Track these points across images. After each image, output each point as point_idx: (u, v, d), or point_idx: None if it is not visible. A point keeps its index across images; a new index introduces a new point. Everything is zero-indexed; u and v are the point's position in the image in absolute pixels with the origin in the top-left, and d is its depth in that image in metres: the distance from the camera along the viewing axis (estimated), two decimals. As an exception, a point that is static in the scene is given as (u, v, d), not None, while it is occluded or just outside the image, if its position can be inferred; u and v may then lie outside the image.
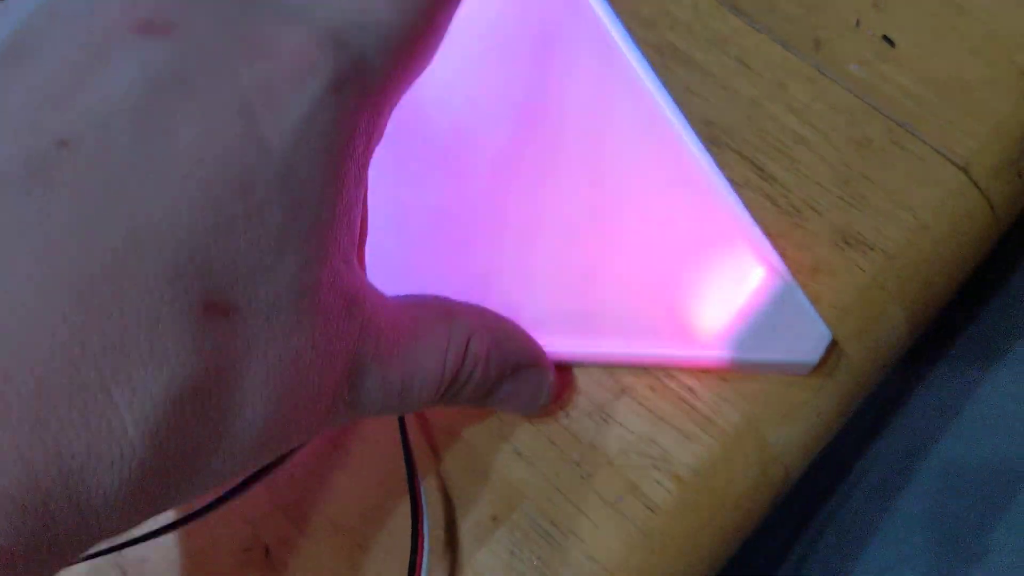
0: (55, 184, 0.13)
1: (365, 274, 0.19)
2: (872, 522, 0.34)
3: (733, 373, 0.25)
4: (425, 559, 0.22)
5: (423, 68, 0.20)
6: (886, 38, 0.28)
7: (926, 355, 0.34)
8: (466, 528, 0.24)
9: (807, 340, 0.24)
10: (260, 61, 0.16)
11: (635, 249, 0.25)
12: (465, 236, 0.26)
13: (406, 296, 0.21)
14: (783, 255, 0.25)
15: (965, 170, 0.27)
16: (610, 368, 0.25)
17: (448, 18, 0.20)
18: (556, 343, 0.24)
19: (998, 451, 0.31)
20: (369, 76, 0.17)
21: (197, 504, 0.25)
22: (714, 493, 0.24)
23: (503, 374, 0.21)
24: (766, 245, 0.24)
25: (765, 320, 0.24)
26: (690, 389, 0.24)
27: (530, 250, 0.26)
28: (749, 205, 0.25)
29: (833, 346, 0.24)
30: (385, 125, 0.19)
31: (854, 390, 0.25)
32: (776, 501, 0.24)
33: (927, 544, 0.32)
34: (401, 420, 0.25)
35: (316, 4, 0.18)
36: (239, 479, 0.24)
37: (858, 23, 0.29)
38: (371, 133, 0.18)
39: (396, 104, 0.19)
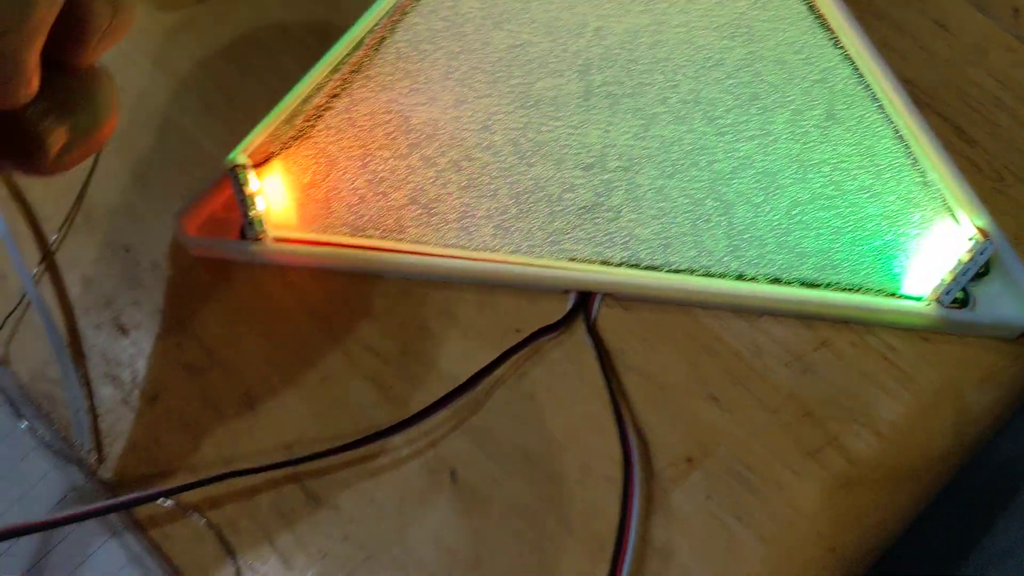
0: None
1: None
2: (999, 501, 0.34)
3: (934, 334, 0.24)
4: (636, 492, 0.22)
5: None
6: (1092, 10, 0.28)
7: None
8: (660, 467, 0.23)
9: (1017, 304, 0.24)
10: None
11: (844, 199, 0.25)
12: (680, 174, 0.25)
13: None
14: (987, 220, 0.24)
15: None
16: (808, 321, 0.25)
17: None
18: (757, 289, 0.24)
19: None
20: None
21: (383, 424, 0.24)
22: (913, 451, 0.23)
23: None
24: (981, 208, 0.24)
25: (977, 282, 0.24)
26: (891, 347, 0.24)
27: (732, 193, 0.25)
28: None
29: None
30: None
31: (1048, 361, 0.25)
32: (966, 464, 0.24)
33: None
34: (599, 351, 0.24)
35: None
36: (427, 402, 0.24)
37: (1065, -8, 0.28)
38: None
39: None
